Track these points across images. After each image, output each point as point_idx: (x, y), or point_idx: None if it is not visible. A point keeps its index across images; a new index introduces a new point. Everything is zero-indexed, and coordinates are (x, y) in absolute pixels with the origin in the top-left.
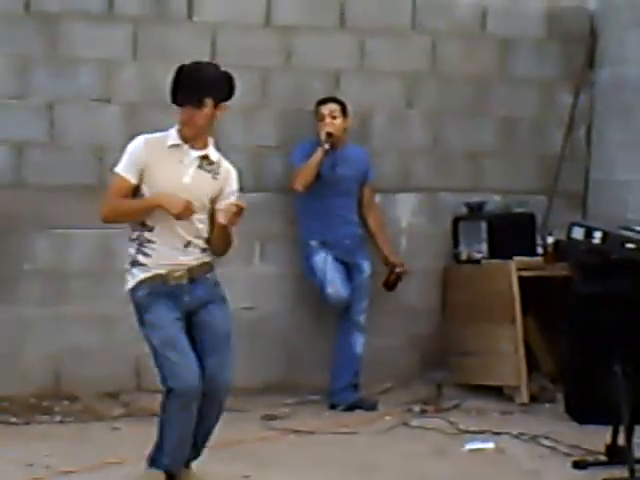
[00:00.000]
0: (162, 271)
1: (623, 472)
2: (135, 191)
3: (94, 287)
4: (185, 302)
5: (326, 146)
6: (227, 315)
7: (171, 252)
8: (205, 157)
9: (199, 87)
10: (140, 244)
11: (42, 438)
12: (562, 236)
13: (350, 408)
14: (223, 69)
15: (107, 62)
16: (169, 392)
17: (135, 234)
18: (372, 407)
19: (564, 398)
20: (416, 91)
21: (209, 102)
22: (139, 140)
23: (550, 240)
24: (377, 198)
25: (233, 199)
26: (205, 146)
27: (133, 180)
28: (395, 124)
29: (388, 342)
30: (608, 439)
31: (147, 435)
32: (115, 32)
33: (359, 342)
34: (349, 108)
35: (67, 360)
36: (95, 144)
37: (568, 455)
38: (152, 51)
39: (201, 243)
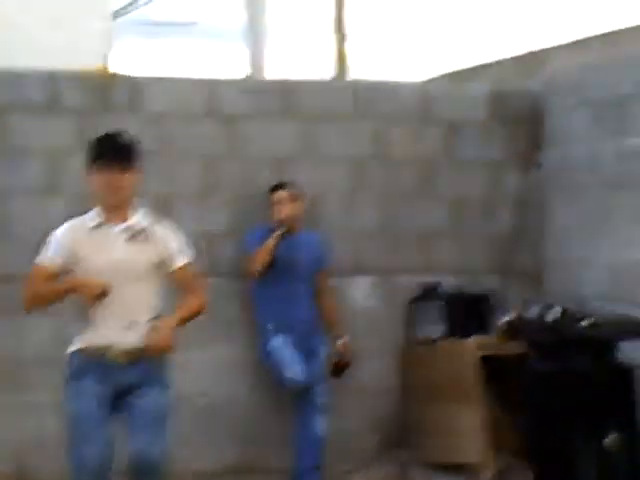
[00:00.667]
0: (103, 344)
1: None
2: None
3: (53, 375)
4: (117, 379)
5: (278, 232)
6: (161, 397)
7: (110, 331)
8: (129, 228)
9: (125, 151)
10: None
11: None
12: (519, 313)
13: None
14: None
15: (53, 154)
16: (72, 468)
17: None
18: None
19: (533, 474)
20: (364, 175)
21: (134, 166)
22: (63, 228)
23: (505, 319)
24: (332, 281)
25: (182, 259)
26: (126, 218)
27: (56, 266)
28: (345, 208)
29: (348, 424)
30: None
31: None
32: (60, 123)
33: (320, 424)
34: (301, 192)
35: (30, 452)
36: (44, 235)
37: None
38: None
39: (146, 322)
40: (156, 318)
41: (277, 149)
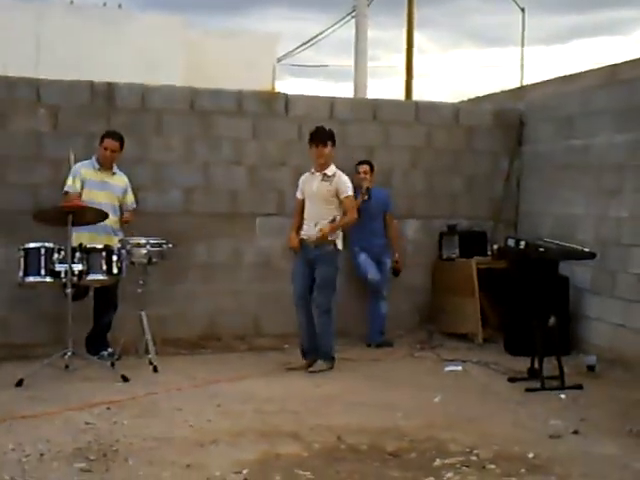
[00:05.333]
0: (304, 235)
1: (537, 384)
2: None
3: (228, 273)
4: (309, 255)
5: (363, 194)
6: (326, 271)
7: (306, 227)
8: (324, 175)
9: (321, 135)
10: None
11: (200, 362)
12: (503, 243)
13: (378, 346)
14: None
15: (238, 140)
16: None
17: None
18: (391, 345)
19: (504, 340)
20: (417, 158)
21: (327, 144)
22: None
23: (495, 247)
24: (396, 221)
25: (345, 194)
26: (324, 170)
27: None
28: (405, 177)
29: (401, 307)
30: (529, 364)
31: (264, 361)
32: (243, 121)
33: (384, 306)
34: (375, 166)
35: (216, 316)
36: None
37: (505, 374)
38: None
39: (326, 222)
40: (332, 221)
41: (367, 140)
